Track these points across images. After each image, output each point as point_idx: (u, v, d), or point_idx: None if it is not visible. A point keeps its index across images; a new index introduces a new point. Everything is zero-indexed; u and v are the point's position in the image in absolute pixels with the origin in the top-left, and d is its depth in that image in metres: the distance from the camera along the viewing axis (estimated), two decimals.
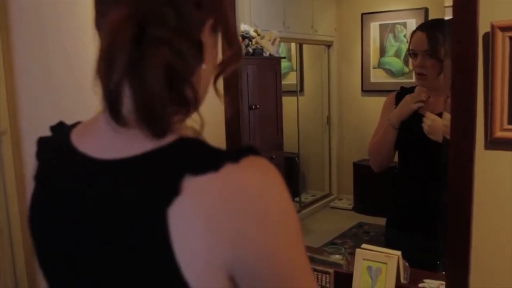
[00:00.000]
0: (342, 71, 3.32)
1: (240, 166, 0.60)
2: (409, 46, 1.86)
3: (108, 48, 0.61)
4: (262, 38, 2.75)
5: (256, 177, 0.60)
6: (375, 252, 1.45)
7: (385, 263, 1.42)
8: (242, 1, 2.69)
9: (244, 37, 2.66)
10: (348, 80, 3.30)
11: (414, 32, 1.88)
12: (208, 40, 0.70)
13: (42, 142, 0.77)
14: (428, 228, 1.73)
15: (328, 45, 3.29)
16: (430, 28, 1.84)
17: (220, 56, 0.79)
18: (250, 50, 2.68)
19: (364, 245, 1.49)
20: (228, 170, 0.59)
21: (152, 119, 0.61)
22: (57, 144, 0.74)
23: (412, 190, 1.89)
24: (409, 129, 1.88)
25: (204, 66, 0.70)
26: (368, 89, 3.20)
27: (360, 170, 3.29)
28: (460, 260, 1.35)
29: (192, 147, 0.64)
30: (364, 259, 1.45)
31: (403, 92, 1.94)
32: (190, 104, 0.64)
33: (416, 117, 1.84)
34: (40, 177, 0.73)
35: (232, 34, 0.79)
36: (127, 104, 0.62)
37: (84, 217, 0.65)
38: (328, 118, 3.38)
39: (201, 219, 0.57)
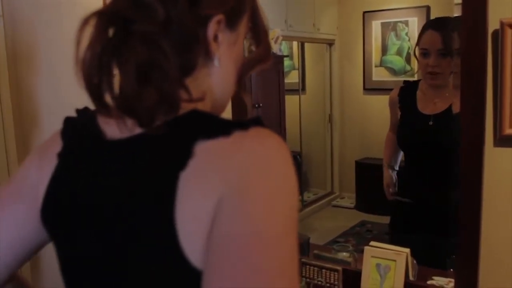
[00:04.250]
0: (344, 70, 3.31)
1: (249, 133, 0.61)
2: (418, 44, 1.85)
3: (90, 42, 0.63)
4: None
5: (264, 145, 0.61)
6: (384, 250, 1.45)
7: (394, 260, 1.42)
8: None
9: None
10: (350, 79, 3.30)
11: (425, 30, 1.86)
12: (222, 37, 0.70)
13: (68, 122, 0.78)
14: (435, 226, 1.73)
15: (330, 44, 3.28)
16: (443, 26, 1.83)
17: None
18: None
19: (372, 243, 1.49)
20: (238, 136, 0.61)
21: (131, 113, 0.63)
22: (82, 125, 0.75)
23: (418, 189, 1.89)
24: (414, 129, 1.89)
25: (216, 64, 0.70)
26: (370, 88, 3.20)
27: (362, 168, 3.29)
28: (470, 257, 1.35)
29: (204, 116, 0.65)
30: (372, 257, 1.45)
31: (407, 86, 1.94)
32: (173, 101, 0.64)
33: (420, 117, 1.84)
34: (64, 155, 0.74)
35: (259, 31, 0.78)
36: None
37: (102, 192, 0.66)
38: (330, 116, 3.38)
39: (207, 178, 0.58)
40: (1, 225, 0.78)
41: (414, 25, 2.98)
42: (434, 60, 1.76)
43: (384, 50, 3.19)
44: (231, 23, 0.72)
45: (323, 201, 3.38)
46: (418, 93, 1.89)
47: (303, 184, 3.50)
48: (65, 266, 0.75)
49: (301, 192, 3.46)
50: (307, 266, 1.53)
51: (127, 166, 0.65)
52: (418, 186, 1.89)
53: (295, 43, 3.50)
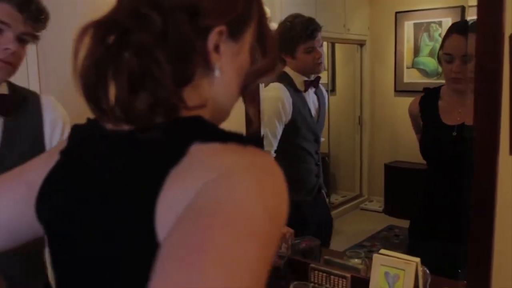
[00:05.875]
0: (375, 71, 3.26)
1: (245, 149, 0.61)
2: (441, 48, 1.79)
3: (88, 51, 0.65)
4: None
5: (258, 157, 0.61)
6: (393, 258, 1.42)
7: (403, 270, 1.39)
8: (273, 0, 2.68)
9: None
10: (381, 80, 3.25)
11: (449, 34, 1.80)
12: (225, 47, 0.70)
13: (75, 127, 0.80)
14: (451, 235, 1.68)
15: (361, 44, 3.24)
16: (469, 30, 1.76)
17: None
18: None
19: (382, 251, 1.46)
20: (233, 146, 0.61)
21: (127, 122, 0.64)
22: (87, 127, 0.78)
23: (438, 197, 1.84)
24: (437, 141, 1.83)
25: (217, 74, 0.70)
26: (401, 89, 3.14)
27: (392, 171, 3.23)
28: (481, 268, 1.31)
29: (206, 123, 0.66)
30: (381, 265, 1.42)
31: (428, 94, 1.88)
32: (167, 109, 0.64)
33: (443, 128, 1.79)
34: (65, 152, 0.77)
35: (266, 41, 0.77)
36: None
37: (96, 185, 0.68)
38: (360, 118, 3.33)
39: (192, 172, 0.58)
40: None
41: (448, 26, 2.90)
42: (458, 66, 1.69)
43: (416, 51, 3.12)
44: (234, 34, 0.72)
45: (351, 203, 3.34)
46: (440, 103, 1.83)
47: (331, 186, 3.46)
48: (55, 257, 0.77)
49: (328, 194, 3.43)
50: (316, 272, 1.51)
51: (125, 159, 0.67)
52: (440, 196, 1.84)
53: (325, 44, 3.46)
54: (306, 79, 2.30)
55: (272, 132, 2.23)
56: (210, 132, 0.64)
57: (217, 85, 0.72)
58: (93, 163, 0.71)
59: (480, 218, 1.30)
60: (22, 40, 1.35)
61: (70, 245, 0.73)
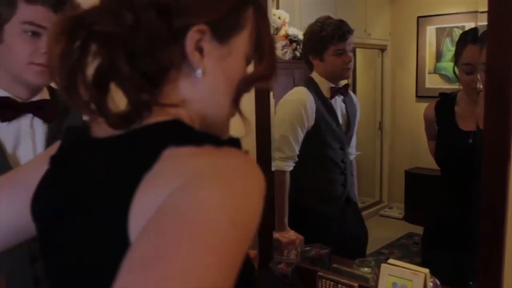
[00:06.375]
0: (396, 76, 3.22)
1: (221, 150, 0.60)
2: (460, 57, 1.75)
3: (60, 47, 0.66)
4: None
5: (233, 158, 0.60)
6: (402, 268, 1.40)
7: (411, 281, 1.36)
8: (292, 4, 2.67)
9: (292, 41, 2.65)
10: (402, 85, 3.20)
11: (464, 45, 1.76)
12: (209, 48, 0.70)
13: (68, 130, 0.83)
14: (464, 245, 1.64)
15: (382, 49, 3.20)
16: (481, 38, 1.72)
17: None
18: (298, 54, 2.66)
19: (390, 260, 1.44)
20: (208, 149, 0.60)
21: (98, 115, 0.64)
22: (77, 130, 0.80)
23: (451, 205, 1.81)
24: (452, 147, 1.80)
25: (199, 74, 0.71)
26: (423, 95, 3.08)
27: (412, 178, 3.18)
28: (493, 273, 1.28)
29: (182, 126, 0.65)
30: (389, 275, 1.40)
31: (444, 99, 1.85)
32: (134, 104, 0.65)
33: (459, 134, 1.75)
34: (55, 156, 0.79)
35: (263, 48, 0.77)
36: None
37: (78, 187, 0.70)
38: (380, 123, 3.29)
39: (164, 177, 0.58)
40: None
41: (472, 31, 2.85)
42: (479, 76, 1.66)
43: (439, 56, 3.07)
44: (219, 35, 0.72)
45: (371, 210, 3.29)
46: (457, 109, 1.80)
47: None
48: (45, 260, 0.79)
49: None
50: (323, 280, 1.50)
51: (102, 163, 0.68)
52: (455, 204, 1.80)
53: None
54: (332, 85, 2.28)
55: (294, 137, 2.21)
56: (185, 135, 0.64)
57: (201, 86, 0.72)
58: (77, 169, 0.73)
59: (490, 223, 1.27)
60: None
61: (57, 250, 0.74)
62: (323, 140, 2.26)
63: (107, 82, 0.66)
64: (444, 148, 1.80)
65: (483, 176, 1.25)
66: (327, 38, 2.22)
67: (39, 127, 1.46)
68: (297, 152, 2.22)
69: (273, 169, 2.15)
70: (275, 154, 2.27)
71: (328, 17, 2.32)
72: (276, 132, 2.27)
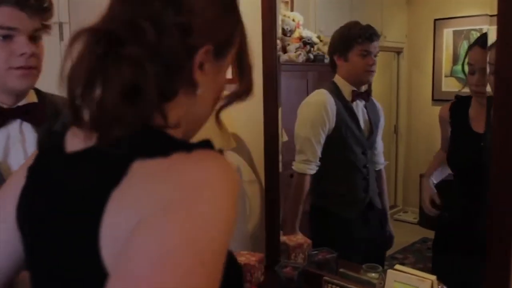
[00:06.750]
0: (412, 79, 3.18)
1: (190, 156, 0.60)
2: (466, 57, 1.74)
3: (76, 60, 0.65)
4: (325, 44, 2.71)
5: (202, 169, 0.60)
6: (408, 275, 1.38)
7: (417, 287, 1.34)
8: (307, 6, 2.66)
9: (305, 43, 2.64)
10: (418, 89, 3.16)
11: (472, 46, 1.76)
12: (208, 66, 0.71)
13: (43, 131, 0.82)
14: (475, 252, 1.62)
15: (398, 52, 3.17)
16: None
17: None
18: (311, 56, 2.65)
19: (397, 266, 1.42)
20: (177, 157, 0.60)
21: (101, 128, 0.64)
22: (53, 138, 0.80)
23: (467, 212, 1.78)
24: (465, 149, 1.78)
25: (199, 92, 0.71)
26: (439, 98, 3.04)
27: None
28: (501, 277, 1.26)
29: (150, 135, 0.66)
30: (395, 281, 1.39)
31: (458, 102, 1.83)
32: (146, 123, 0.64)
33: (472, 136, 1.73)
34: (32, 167, 0.78)
35: (244, 65, 0.78)
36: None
37: (51, 201, 0.69)
38: (396, 127, 3.25)
39: (134, 198, 0.59)
40: None
41: (490, 33, 2.80)
42: (479, 79, 1.65)
43: (455, 59, 3.02)
44: (219, 53, 0.74)
45: None
46: (471, 110, 1.78)
47: None
48: (30, 273, 0.79)
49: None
50: (329, 284, 1.49)
51: (74, 179, 0.68)
52: (467, 209, 1.78)
53: None
54: (354, 89, 2.28)
55: (316, 139, 2.21)
56: (153, 145, 0.64)
57: (196, 103, 0.74)
58: (52, 184, 0.73)
59: (498, 226, 1.25)
60: (35, 38, 1.29)
61: (38, 266, 0.74)
62: (344, 143, 2.26)
63: (129, 99, 0.66)
64: (457, 150, 1.78)
65: (491, 180, 1.23)
66: (353, 37, 2.24)
67: (29, 132, 1.40)
68: (319, 155, 2.22)
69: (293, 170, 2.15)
70: (296, 156, 2.27)
71: (357, 23, 2.34)
72: (297, 134, 2.27)
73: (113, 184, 0.60)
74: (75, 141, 0.71)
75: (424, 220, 2.99)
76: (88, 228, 0.61)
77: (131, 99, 0.65)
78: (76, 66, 0.66)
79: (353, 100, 2.29)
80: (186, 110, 0.73)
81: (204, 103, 0.76)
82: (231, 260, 0.77)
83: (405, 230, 3.13)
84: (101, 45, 0.66)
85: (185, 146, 0.63)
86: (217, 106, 0.78)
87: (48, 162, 0.78)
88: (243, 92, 0.79)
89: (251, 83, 0.79)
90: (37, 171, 0.78)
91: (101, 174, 0.64)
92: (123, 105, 0.65)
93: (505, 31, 1.19)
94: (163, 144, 0.64)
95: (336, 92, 2.24)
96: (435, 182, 1.93)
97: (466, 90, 2.98)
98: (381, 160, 2.49)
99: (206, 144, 0.64)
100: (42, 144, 0.82)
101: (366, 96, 2.35)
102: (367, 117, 2.41)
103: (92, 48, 0.66)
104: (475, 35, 3.05)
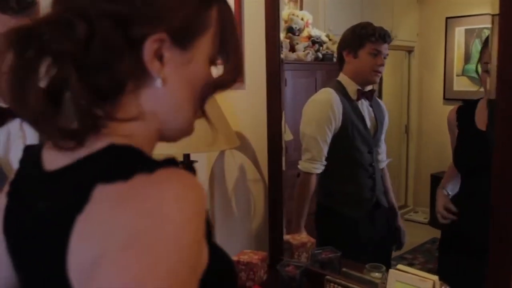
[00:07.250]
0: (423, 78, 3.16)
1: (151, 178, 0.58)
2: (482, 56, 1.72)
3: (11, 61, 0.63)
4: (334, 43, 2.70)
5: (161, 194, 0.57)
6: (410, 275, 1.37)
7: (418, 287, 1.34)
8: (316, 5, 2.66)
9: (314, 42, 2.64)
10: (429, 88, 3.14)
11: (486, 44, 1.74)
12: (169, 55, 0.68)
13: (26, 150, 0.81)
14: (480, 253, 1.60)
15: (409, 51, 3.14)
16: None
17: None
18: (320, 55, 2.64)
19: (399, 266, 1.42)
20: (138, 181, 0.58)
21: (44, 132, 0.63)
22: (32, 154, 0.78)
23: (474, 214, 1.76)
24: (471, 149, 1.76)
25: (159, 85, 0.68)
26: (451, 98, 3.01)
27: (438, 182, 3.11)
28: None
29: (113, 156, 0.63)
30: (397, 281, 1.38)
31: (465, 106, 1.82)
32: (84, 120, 0.62)
33: (479, 136, 1.72)
34: (12, 183, 0.77)
35: (228, 50, 0.75)
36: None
37: (23, 224, 0.69)
38: (407, 126, 3.23)
39: (96, 229, 0.57)
40: None
41: None
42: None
43: (467, 58, 2.99)
44: (180, 42, 0.70)
45: None
46: (477, 111, 1.77)
47: None
48: None
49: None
50: (331, 284, 1.49)
51: (44, 200, 0.67)
52: (473, 211, 1.76)
53: None
54: (359, 88, 2.27)
55: (322, 138, 2.21)
56: (114, 167, 0.61)
57: (163, 96, 0.69)
58: (26, 205, 0.71)
59: (500, 228, 1.24)
60: None
61: (22, 279, 0.74)
62: (351, 142, 2.25)
63: (60, 95, 0.64)
64: (462, 150, 1.77)
65: (493, 180, 1.22)
66: (367, 34, 2.23)
67: (29, 129, 1.41)
68: (325, 154, 2.21)
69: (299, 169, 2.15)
70: (302, 155, 2.26)
71: (370, 23, 2.33)
72: (303, 133, 2.26)
73: (77, 209, 0.59)
74: (51, 153, 0.70)
75: (435, 220, 2.97)
76: (55, 252, 0.60)
77: (59, 98, 0.64)
78: (8, 72, 0.62)
79: (358, 99, 2.28)
80: (153, 103, 0.69)
81: (174, 97, 0.71)
82: (221, 258, 0.76)
83: (415, 230, 3.11)
84: (26, 46, 0.62)
85: (148, 166, 0.60)
86: (198, 96, 0.74)
87: (24, 178, 0.75)
88: (228, 78, 0.76)
89: (238, 68, 0.76)
90: (15, 189, 0.76)
91: (66, 198, 0.62)
92: (51, 104, 0.62)
93: (506, 32, 1.17)
94: (124, 165, 0.61)
95: (341, 90, 2.24)
96: (450, 194, 1.91)
97: (479, 89, 2.97)
98: (384, 158, 2.48)
99: (170, 162, 0.62)
100: (21, 159, 0.80)
101: (369, 95, 2.34)
102: (373, 115, 2.39)
103: (17, 50, 0.62)
104: (487, 34, 3.01)
